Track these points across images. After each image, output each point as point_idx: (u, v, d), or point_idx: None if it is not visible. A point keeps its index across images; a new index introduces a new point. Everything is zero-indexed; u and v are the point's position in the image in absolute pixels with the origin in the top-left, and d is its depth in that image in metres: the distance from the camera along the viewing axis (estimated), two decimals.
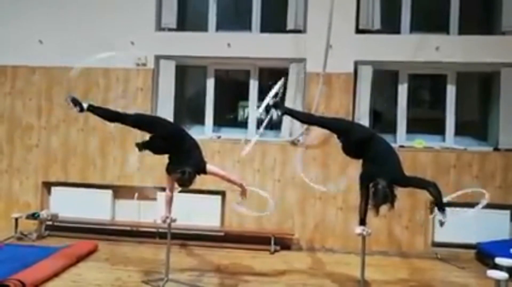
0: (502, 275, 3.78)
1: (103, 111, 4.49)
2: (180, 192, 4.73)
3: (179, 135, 4.30)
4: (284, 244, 5.93)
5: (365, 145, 4.05)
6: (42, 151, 6.41)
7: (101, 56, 4.69)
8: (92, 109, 4.43)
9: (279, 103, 4.39)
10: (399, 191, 5.34)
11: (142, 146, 4.34)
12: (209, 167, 4.17)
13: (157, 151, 4.35)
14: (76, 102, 4.35)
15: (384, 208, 3.87)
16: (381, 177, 3.72)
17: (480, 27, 6.15)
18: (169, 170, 4.19)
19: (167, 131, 4.30)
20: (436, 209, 4.00)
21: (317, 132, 5.13)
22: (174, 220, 4.43)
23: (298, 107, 6.00)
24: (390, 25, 6.12)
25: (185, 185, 4.09)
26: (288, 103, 6.03)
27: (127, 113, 4.42)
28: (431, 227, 5.87)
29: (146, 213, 6.22)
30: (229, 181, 4.34)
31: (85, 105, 4.38)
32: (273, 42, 6.07)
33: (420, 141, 6.01)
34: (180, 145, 4.20)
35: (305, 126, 5.89)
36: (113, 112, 4.45)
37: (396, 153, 4.07)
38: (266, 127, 6.44)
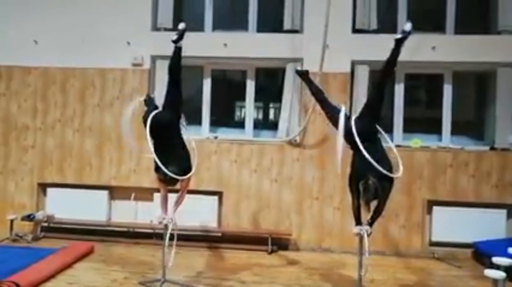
0: (500, 274, 3.78)
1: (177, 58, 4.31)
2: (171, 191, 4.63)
3: (171, 126, 4.22)
4: (281, 244, 5.92)
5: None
6: (37, 151, 6.37)
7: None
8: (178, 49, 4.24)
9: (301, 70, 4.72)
10: (395, 190, 5.32)
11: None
12: (188, 179, 4.18)
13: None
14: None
15: (374, 204, 3.91)
16: (372, 174, 3.72)
17: (477, 27, 6.16)
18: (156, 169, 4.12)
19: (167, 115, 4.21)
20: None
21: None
22: (174, 223, 4.27)
23: (295, 107, 6.01)
24: (387, 24, 6.12)
25: (167, 184, 4.08)
26: (284, 103, 6.05)
27: (180, 83, 4.29)
28: (428, 226, 5.89)
29: (142, 214, 6.20)
30: (178, 200, 4.32)
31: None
32: (269, 42, 6.06)
33: (417, 141, 6.01)
34: (166, 137, 4.13)
35: (302, 126, 5.90)
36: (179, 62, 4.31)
37: (385, 151, 4.04)
38: (262, 127, 6.50)
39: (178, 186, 4.29)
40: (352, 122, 3.95)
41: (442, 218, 5.80)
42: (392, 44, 3.95)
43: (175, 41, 4.19)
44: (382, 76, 4.08)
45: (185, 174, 4.11)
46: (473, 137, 6.17)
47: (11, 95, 6.43)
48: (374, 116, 4.09)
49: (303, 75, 4.68)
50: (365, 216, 4.07)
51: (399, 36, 3.93)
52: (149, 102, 4.64)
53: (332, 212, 5.94)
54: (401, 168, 4.00)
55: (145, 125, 4.08)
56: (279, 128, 6.10)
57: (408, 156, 5.79)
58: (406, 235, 5.86)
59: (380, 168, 3.64)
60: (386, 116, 6.35)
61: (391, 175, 3.77)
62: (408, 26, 3.92)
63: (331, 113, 4.30)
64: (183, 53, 4.30)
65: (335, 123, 4.12)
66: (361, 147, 3.71)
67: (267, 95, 6.77)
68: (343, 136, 3.93)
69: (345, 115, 3.98)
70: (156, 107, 4.41)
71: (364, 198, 3.86)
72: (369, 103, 4.20)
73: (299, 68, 4.80)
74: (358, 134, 3.81)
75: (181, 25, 4.20)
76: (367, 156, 3.65)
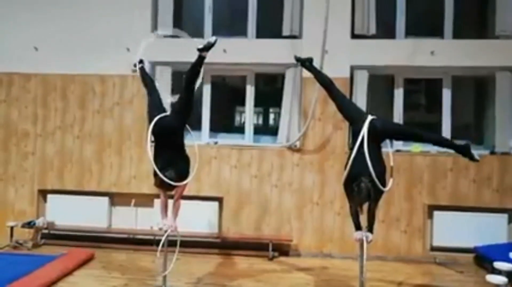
0: (502, 279, 3.77)
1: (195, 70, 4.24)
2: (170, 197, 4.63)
3: (176, 131, 4.24)
4: (282, 250, 5.90)
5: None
6: (38, 158, 6.37)
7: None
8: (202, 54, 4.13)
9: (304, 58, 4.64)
10: (396, 196, 5.33)
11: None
12: (184, 185, 4.17)
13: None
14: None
15: (365, 205, 3.95)
16: (365, 175, 3.72)
17: (475, 32, 6.19)
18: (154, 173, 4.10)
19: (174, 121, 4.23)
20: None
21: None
22: (173, 229, 4.28)
23: (295, 113, 6.01)
24: (385, 30, 6.14)
25: (164, 189, 4.11)
26: (284, 108, 6.06)
27: (193, 91, 4.27)
28: (429, 231, 5.87)
29: (143, 220, 6.19)
30: (175, 206, 4.32)
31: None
32: (269, 48, 6.07)
33: (417, 145, 6.01)
34: (169, 141, 4.13)
35: (302, 131, 5.90)
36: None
37: (382, 156, 4.05)
38: (262, 132, 6.50)
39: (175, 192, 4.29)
40: (366, 125, 3.92)
41: (443, 222, 5.79)
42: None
43: (199, 50, 4.12)
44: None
45: (183, 180, 4.11)
46: (473, 141, 6.15)
47: (12, 102, 6.44)
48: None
49: (307, 63, 4.55)
50: (362, 220, 4.08)
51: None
52: (143, 69, 4.80)
53: (332, 217, 5.93)
54: (391, 180, 4.06)
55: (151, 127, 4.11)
56: (279, 133, 6.10)
57: (408, 161, 5.80)
58: (407, 240, 5.84)
59: (373, 174, 3.65)
60: None
61: (381, 188, 3.78)
62: None
63: (339, 100, 4.34)
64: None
65: (341, 110, 4.27)
66: (366, 149, 3.72)
67: (267, 101, 6.78)
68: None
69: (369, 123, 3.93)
70: (152, 81, 4.66)
71: (357, 200, 3.87)
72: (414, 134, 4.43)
73: (299, 55, 4.62)
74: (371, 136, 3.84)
75: (213, 38, 4.14)
76: (367, 158, 3.65)
